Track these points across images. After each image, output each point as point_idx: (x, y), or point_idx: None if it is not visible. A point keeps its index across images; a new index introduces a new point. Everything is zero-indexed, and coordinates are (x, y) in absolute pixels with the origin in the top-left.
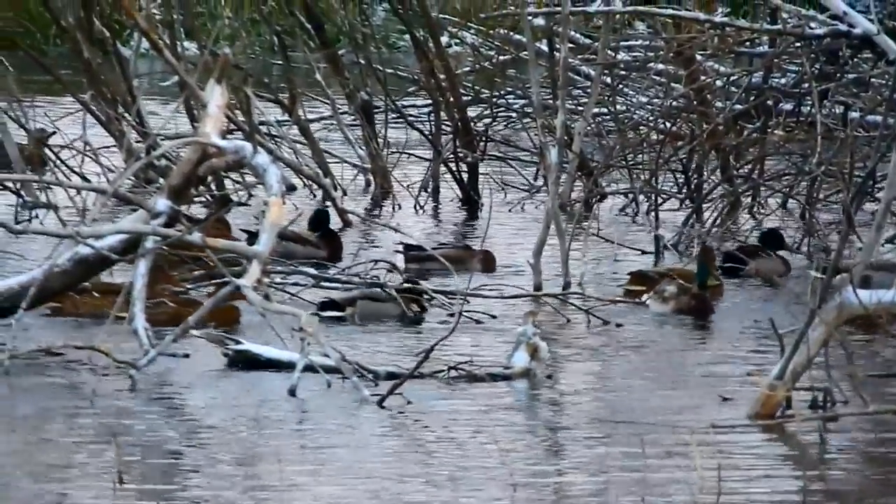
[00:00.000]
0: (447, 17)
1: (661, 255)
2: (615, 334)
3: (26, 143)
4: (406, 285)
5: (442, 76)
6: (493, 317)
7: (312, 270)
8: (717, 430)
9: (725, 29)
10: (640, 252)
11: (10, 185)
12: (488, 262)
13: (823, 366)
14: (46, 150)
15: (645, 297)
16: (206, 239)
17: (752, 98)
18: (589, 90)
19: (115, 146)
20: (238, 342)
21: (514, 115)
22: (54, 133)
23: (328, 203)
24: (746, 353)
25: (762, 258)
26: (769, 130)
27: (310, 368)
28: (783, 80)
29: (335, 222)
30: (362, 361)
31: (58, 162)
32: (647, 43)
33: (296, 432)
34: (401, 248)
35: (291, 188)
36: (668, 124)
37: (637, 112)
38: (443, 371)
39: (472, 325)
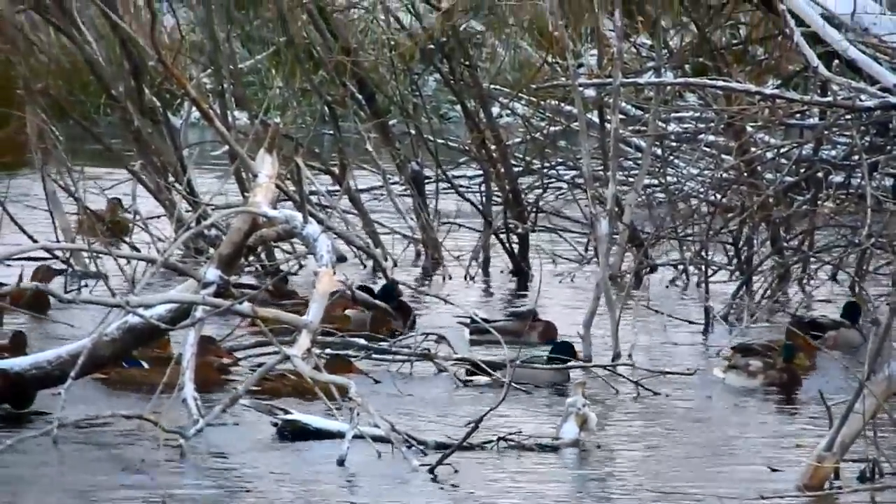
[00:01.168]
0: (498, 87)
1: (711, 327)
2: (664, 405)
3: (76, 213)
4: (456, 356)
5: (493, 146)
6: (539, 387)
7: (362, 341)
8: (766, 501)
9: (776, 101)
10: (689, 323)
11: (59, 254)
12: (549, 334)
13: (873, 437)
14: (117, 218)
15: (717, 371)
16: (255, 308)
17: (802, 170)
18: (639, 161)
19: (164, 215)
20: (287, 412)
21: (564, 185)
22: (127, 210)
23: (378, 274)
24: (799, 425)
25: (842, 329)
26: (819, 202)
27: (359, 438)
28: (833, 153)
29: None
30: (411, 431)
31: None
32: (698, 114)
33: (345, 503)
34: (468, 320)
35: (341, 258)
36: (718, 196)
37: (687, 183)
38: (492, 441)
39: (521, 396)
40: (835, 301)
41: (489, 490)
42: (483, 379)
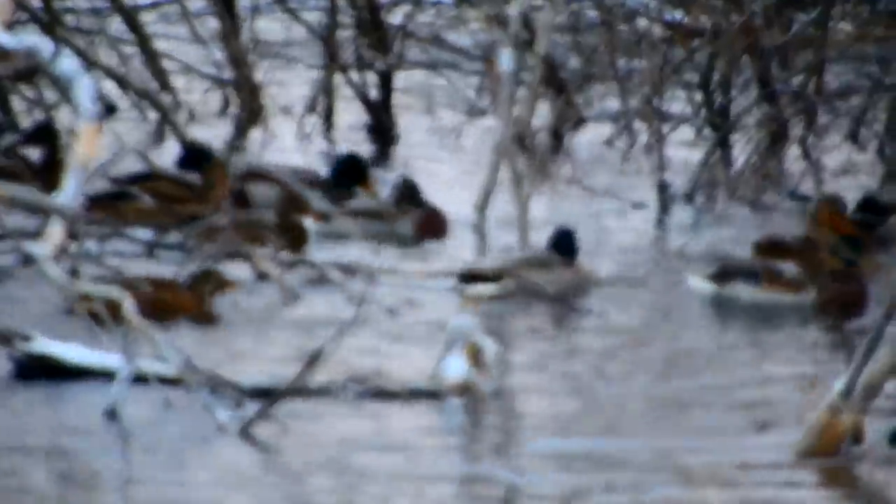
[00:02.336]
0: None
1: (668, 211)
2: (598, 329)
3: None
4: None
5: None
6: (410, 303)
7: (146, 234)
8: (750, 473)
9: None
10: (634, 206)
11: None
12: (432, 226)
13: None
14: None
15: (695, 279)
16: None
17: None
18: None
19: None
20: (29, 339)
21: None
22: None
23: (167, 130)
24: (808, 360)
25: None
26: (831, 24)
27: (140, 379)
28: None
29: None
30: (222, 369)
31: None
32: None
33: (115, 475)
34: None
35: (112, 109)
36: (678, 15)
37: None
38: (337, 384)
39: (383, 318)
40: (855, 173)
41: (329, 460)
42: (487, 288)
